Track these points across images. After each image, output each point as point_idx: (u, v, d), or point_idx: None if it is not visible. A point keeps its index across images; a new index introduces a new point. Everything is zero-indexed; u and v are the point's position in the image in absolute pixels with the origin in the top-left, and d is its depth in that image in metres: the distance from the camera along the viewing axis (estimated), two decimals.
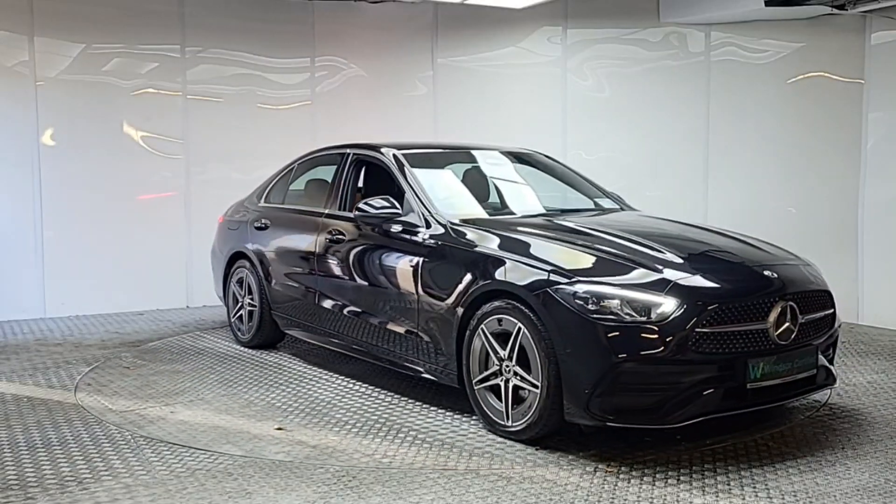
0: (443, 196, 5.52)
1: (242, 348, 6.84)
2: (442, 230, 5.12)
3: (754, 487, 3.88)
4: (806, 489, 3.86)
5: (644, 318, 4.11)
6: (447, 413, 5.03)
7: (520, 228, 5.04)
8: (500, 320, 4.51)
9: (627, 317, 4.12)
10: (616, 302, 4.17)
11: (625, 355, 4.09)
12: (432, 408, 5.14)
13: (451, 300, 4.82)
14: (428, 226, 5.21)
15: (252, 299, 6.78)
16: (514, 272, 4.52)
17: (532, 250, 4.66)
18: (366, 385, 5.69)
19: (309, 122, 9.10)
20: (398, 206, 5.42)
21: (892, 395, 5.41)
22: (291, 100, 9.10)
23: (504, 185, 6.09)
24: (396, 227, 5.39)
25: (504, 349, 4.49)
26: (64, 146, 8.19)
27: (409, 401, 5.30)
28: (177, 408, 5.21)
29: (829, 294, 4.77)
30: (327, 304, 5.97)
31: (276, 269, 6.55)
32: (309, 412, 5.10)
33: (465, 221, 5.18)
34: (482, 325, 4.60)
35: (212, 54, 8.80)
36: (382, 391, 5.53)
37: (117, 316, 8.20)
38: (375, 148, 6.02)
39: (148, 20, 8.47)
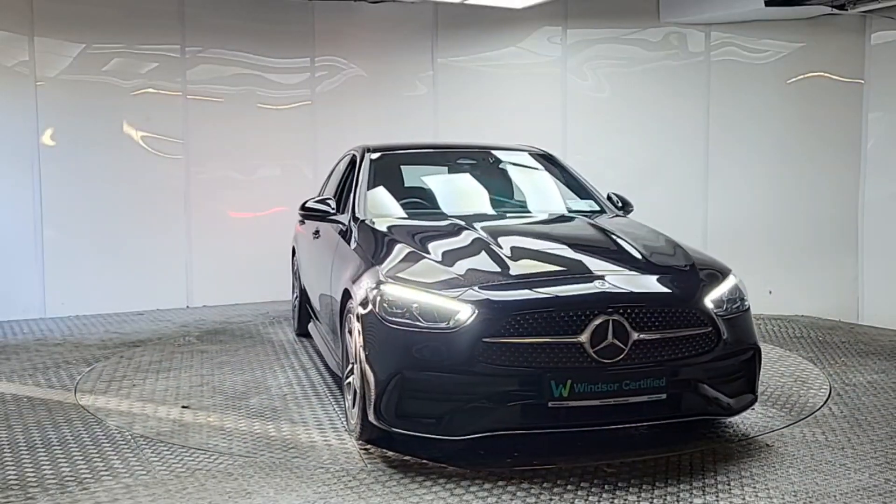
0: (386, 197, 5.65)
1: (292, 336, 7.20)
2: (356, 230, 5.21)
3: (754, 487, 3.88)
4: (806, 489, 3.86)
5: (442, 325, 4.00)
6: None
7: (409, 231, 5.03)
8: (351, 319, 4.56)
9: (422, 322, 4.04)
10: (415, 307, 4.09)
11: (412, 361, 4.00)
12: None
13: (338, 298, 4.90)
14: (352, 224, 5.33)
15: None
16: (358, 272, 4.58)
17: (383, 251, 4.68)
18: (326, 378, 5.82)
19: (309, 122, 9.10)
20: (332, 206, 5.60)
21: (892, 395, 5.41)
22: (291, 100, 9.09)
23: (468, 187, 6.04)
24: (336, 227, 5.55)
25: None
26: (64, 146, 8.19)
27: (338, 395, 5.39)
28: (144, 382, 5.79)
29: (701, 311, 4.21)
30: (313, 298, 6.22)
31: (301, 262, 6.94)
32: (236, 396, 5.44)
33: (381, 223, 5.22)
34: (346, 323, 4.67)
35: (212, 54, 8.80)
36: (330, 386, 5.65)
37: (117, 316, 8.20)
38: (362, 149, 6.18)
39: (148, 20, 8.47)
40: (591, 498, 3.75)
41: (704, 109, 8.47)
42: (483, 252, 4.57)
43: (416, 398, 4.02)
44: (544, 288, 4.21)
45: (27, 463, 4.20)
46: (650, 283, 4.39)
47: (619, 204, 6.01)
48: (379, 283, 4.27)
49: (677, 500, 3.73)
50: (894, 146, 7.60)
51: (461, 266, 4.36)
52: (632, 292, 4.23)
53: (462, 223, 5.11)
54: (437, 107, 9.13)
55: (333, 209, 5.62)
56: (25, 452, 4.35)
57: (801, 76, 8.14)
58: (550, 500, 3.72)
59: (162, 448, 4.42)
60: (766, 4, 7.30)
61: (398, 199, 5.72)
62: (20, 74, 8.00)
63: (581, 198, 5.99)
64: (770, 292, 8.22)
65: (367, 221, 5.28)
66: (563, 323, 3.98)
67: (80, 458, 4.27)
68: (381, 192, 5.73)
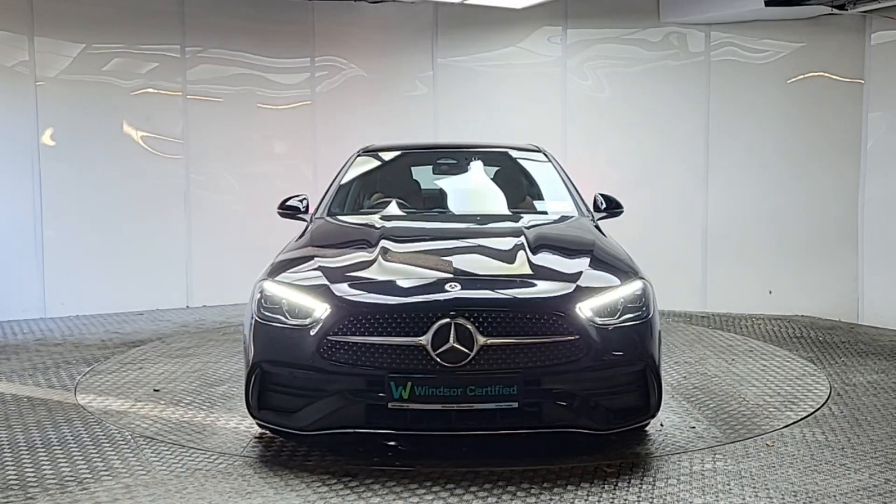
0: (350, 196, 5.77)
1: None
2: (308, 227, 5.33)
3: (754, 487, 3.88)
4: (806, 489, 3.86)
5: (303, 323, 4.08)
6: None
7: (327, 231, 5.18)
8: None
9: (287, 319, 4.15)
10: (285, 303, 4.19)
11: (271, 356, 4.16)
12: None
13: None
14: (309, 222, 5.48)
15: None
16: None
17: (286, 249, 4.84)
18: None
19: (309, 122, 9.11)
20: (304, 205, 5.73)
21: (892, 395, 5.41)
22: (291, 100, 9.10)
23: (434, 187, 6.09)
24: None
25: None
26: (64, 146, 8.20)
27: None
28: (153, 366, 6.20)
29: (566, 319, 4.00)
30: None
31: None
32: (212, 383, 5.70)
33: (322, 222, 5.38)
34: None
35: (212, 54, 8.80)
36: None
37: (117, 316, 8.20)
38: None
39: (148, 20, 8.48)
40: (591, 498, 3.75)
41: (704, 109, 8.47)
42: (366, 253, 4.57)
43: (273, 391, 4.17)
44: (396, 291, 4.20)
45: (27, 463, 4.20)
46: (512, 290, 4.22)
47: (604, 206, 5.74)
48: (262, 279, 4.43)
49: (677, 500, 3.74)
50: (894, 146, 7.60)
51: (338, 266, 4.49)
52: (481, 297, 4.12)
53: (376, 223, 5.16)
54: (437, 107, 9.14)
55: (305, 208, 5.74)
56: (25, 452, 4.35)
57: (802, 76, 8.14)
58: (551, 499, 3.72)
59: (162, 448, 4.42)
60: (766, 4, 7.31)
61: (361, 199, 5.83)
62: (20, 74, 8.00)
63: (559, 198, 5.77)
64: (770, 292, 8.23)
65: (322, 219, 5.43)
66: (406, 325, 3.97)
67: (80, 458, 4.27)
68: (348, 191, 5.83)
